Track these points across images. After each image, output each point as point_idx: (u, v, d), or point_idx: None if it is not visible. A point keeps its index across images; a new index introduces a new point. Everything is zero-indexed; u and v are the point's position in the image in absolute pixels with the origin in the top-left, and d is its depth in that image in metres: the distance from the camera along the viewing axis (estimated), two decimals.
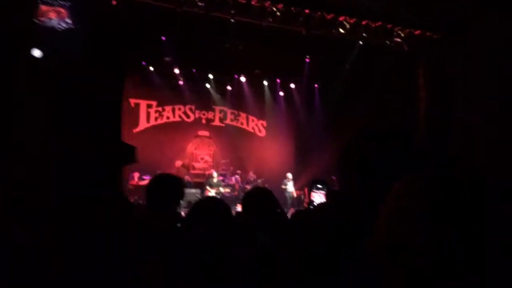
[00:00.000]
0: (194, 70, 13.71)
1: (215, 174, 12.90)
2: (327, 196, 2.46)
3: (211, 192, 12.06)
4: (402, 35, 10.61)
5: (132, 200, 11.66)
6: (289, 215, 4.33)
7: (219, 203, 2.03)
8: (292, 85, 14.94)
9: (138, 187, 11.85)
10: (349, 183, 1.28)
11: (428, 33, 10.66)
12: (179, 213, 2.80)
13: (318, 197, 2.57)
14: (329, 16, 10.05)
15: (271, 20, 9.74)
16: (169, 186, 2.54)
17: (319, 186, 2.69)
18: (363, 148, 1.29)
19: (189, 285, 1.53)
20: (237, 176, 13.79)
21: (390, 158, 1.23)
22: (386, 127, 1.31)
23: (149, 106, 14.31)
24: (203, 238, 1.69)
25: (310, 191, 2.57)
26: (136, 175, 12.26)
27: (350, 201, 1.25)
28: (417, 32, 10.66)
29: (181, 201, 2.65)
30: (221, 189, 12.64)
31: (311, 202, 2.74)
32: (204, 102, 14.80)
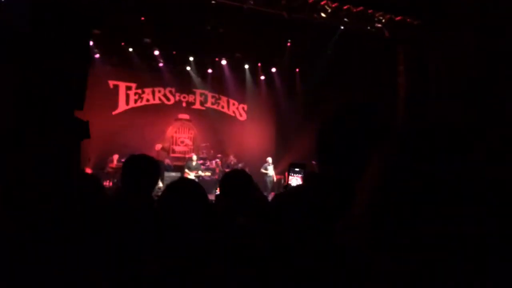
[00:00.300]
0: (174, 52, 13.53)
1: (194, 157, 12.87)
2: (304, 179, 2.47)
3: (190, 175, 12.03)
4: (383, 20, 10.66)
5: (111, 183, 11.59)
6: (269, 199, 4.36)
7: (194, 184, 2.01)
8: (273, 69, 14.91)
9: (117, 169, 11.74)
10: (323, 166, 1.29)
11: (408, 20, 10.73)
12: (155, 196, 2.76)
13: (295, 181, 2.58)
14: (311, 0, 10.00)
15: (252, 2, 9.66)
16: (143, 166, 2.49)
17: (297, 169, 2.68)
18: (325, 129, 1.30)
19: (162, 269, 1.53)
20: (217, 160, 13.78)
21: (348, 137, 1.23)
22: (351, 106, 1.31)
23: (128, 88, 14.10)
24: (177, 220, 1.69)
25: (288, 175, 2.57)
26: (115, 157, 12.13)
27: (324, 182, 1.26)
28: (398, 18, 10.72)
29: (161, 184, 2.63)
30: (201, 173, 12.63)
31: (288, 185, 2.73)
32: (184, 85, 14.66)
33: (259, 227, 2.36)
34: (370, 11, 10.52)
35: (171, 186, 1.88)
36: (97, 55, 12.60)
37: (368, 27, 10.69)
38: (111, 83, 13.66)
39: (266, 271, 1.25)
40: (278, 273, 1.17)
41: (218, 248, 1.72)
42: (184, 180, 1.94)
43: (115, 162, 12.10)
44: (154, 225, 1.74)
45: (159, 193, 2.20)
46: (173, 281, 1.50)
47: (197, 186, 1.94)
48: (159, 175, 2.64)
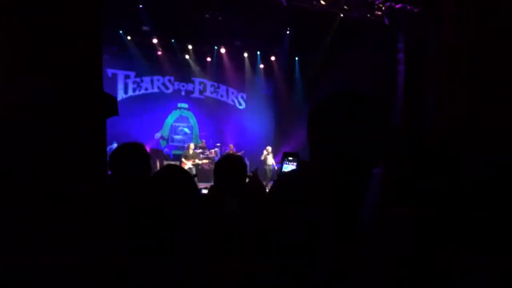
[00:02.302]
0: (173, 41, 13.45)
1: (191, 145, 12.84)
2: (297, 166, 2.47)
3: (187, 164, 11.99)
4: (383, 8, 10.60)
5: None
6: (268, 188, 4.36)
7: (179, 169, 2.00)
8: (273, 58, 14.84)
9: None
10: (313, 150, 1.28)
11: (408, 7, 10.66)
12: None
13: (290, 169, 2.59)
14: None
15: None
16: (129, 153, 2.46)
17: (290, 158, 2.69)
18: (313, 112, 1.29)
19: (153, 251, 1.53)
20: (216, 149, 13.78)
21: (341, 122, 1.22)
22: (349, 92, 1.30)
23: (126, 76, 14.04)
24: (164, 203, 1.67)
25: (282, 163, 2.59)
26: (115, 146, 12.12)
27: (311, 167, 1.25)
28: (397, 6, 10.65)
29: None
30: (198, 161, 12.58)
31: (281, 173, 2.74)
32: (183, 73, 14.60)
33: (246, 208, 2.37)
34: None
35: (157, 174, 1.86)
36: None
37: (368, 15, 10.63)
38: (110, 71, 13.59)
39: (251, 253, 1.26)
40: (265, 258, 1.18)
41: (205, 227, 1.72)
42: (169, 166, 1.94)
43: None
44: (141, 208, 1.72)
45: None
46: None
47: (183, 170, 1.92)
48: (148, 160, 2.59)
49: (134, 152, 2.45)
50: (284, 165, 2.67)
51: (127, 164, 2.40)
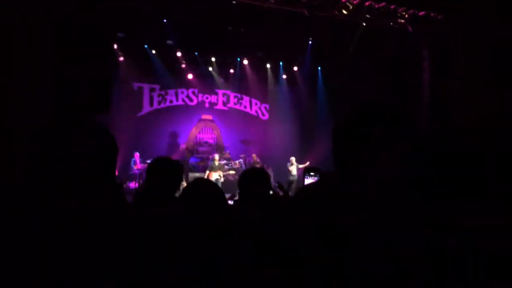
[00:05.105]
0: (196, 53, 13.65)
1: (216, 157, 12.91)
2: (319, 178, 2.49)
3: (213, 176, 12.06)
4: (406, 16, 10.50)
5: (137, 184, 11.79)
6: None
7: (209, 183, 2.05)
8: (295, 68, 14.87)
9: (142, 170, 11.92)
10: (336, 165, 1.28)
11: (432, 14, 10.54)
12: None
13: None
14: None
15: (272, 1, 9.66)
16: (167, 169, 2.54)
17: (312, 173, 2.73)
18: (337, 129, 1.29)
19: (186, 264, 1.55)
20: (240, 160, 13.83)
21: (356, 140, 1.22)
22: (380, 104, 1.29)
23: (152, 90, 14.29)
24: (200, 218, 1.71)
25: (304, 178, 2.64)
26: (137, 155, 12.29)
27: (337, 181, 1.26)
28: (421, 13, 10.55)
29: (185, 184, 2.68)
30: (224, 173, 12.64)
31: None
32: (207, 85, 14.77)
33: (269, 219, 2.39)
34: (392, 6, 10.38)
35: (190, 188, 1.91)
36: (121, 58, 12.81)
37: (391, 23, 10.55)
38: (135, 85, 13.87)
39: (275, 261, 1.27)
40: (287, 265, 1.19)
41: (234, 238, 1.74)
42: (201, 180, 2.00)
43: (138, 162, 12.28)
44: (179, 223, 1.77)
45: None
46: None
47: (212, 184, 1.97)
48: (182, 177, 2.70)
49: (169, 168, 2.54)
50: (306, 180, 2.70)
51: (162, 178, 2.48)
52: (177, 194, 2.81)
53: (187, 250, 1.61)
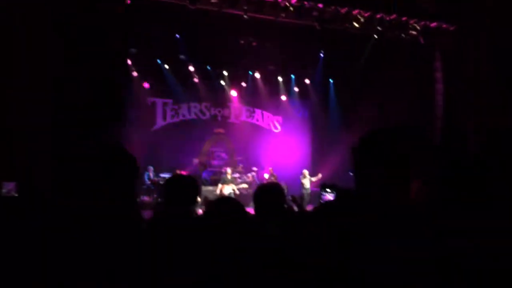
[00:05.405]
0: (208, 67, 13.77)
1: (229, 170, 12.90)
2: (336, 196, 2.52)
3: (226, 190, 12.04)
4: (418, 27, 10.48)
5: (151, 198, 11.85)
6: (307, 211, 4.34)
7: (231, 201, 2.09)
8: (307, 81, 14.90)
9: (156, 183, 11.99)
10: (367, 177, 1.28)
11: (444, 25, 10.51)
12: (196, 211, 2.85)
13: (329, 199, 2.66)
14: (343, 10, 9.98)
15: (284, 15, 9.73)
16: (185, 186, 2.59)
17: (328, 190, 2.76)
18: (355, 150, 1.31)
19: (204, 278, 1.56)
20: (253, 173, 13.81)
21: (372, 162, 1.24)
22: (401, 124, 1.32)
23: (165, 104, 14.40)
24: (221, 235, 1.74)
25: (320, 193, 2.69)
26: (150, 169, 12.38)
27: (359, 201, 1.27)
28: (433, 25, 10.52)
29: (198, 198, 2.71)
30: (236, 186, 12.60)
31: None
32: (219, 99, 14.85)
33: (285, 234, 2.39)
34: (404, 18, 10.38)
35: (212, 207, 1.95)
36: (135, 73, 12.97)
37: (403, 35, 10.54)
38: (149, 100, 14.00)
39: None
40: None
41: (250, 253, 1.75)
42: (223, 199, 2.06)
43: (151, 176, 12.36)
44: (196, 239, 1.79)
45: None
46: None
47: (234, 202, 2.00)
48: (198, 193, 2.74)
49: (189, 187, 2.59)
50: (323, 196, 2.73)
51: (181, 197, 2.53)
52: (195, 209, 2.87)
53: (201, 261, 1.62)
